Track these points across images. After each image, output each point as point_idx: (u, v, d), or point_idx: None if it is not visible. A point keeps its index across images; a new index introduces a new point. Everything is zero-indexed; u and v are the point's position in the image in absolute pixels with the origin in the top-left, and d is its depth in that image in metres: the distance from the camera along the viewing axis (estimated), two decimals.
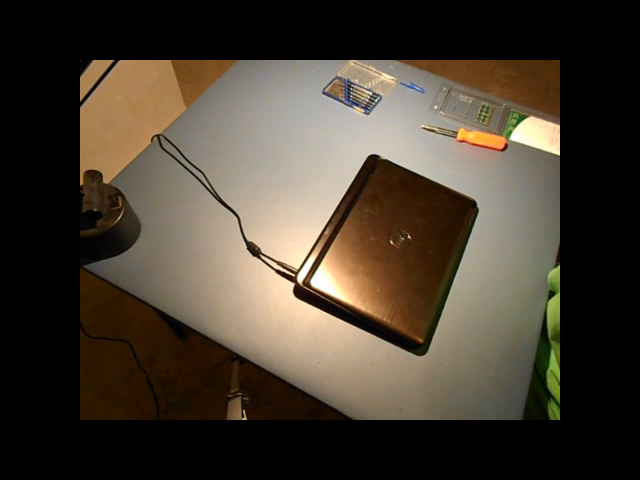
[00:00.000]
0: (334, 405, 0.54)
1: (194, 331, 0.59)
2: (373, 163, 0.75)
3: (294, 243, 0.66)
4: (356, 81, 0.89)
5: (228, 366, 0.68)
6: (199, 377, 1.18)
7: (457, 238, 0.67)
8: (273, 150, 0.78)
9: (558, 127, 0.84)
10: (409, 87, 0.90)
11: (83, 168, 0.59)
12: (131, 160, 0.75)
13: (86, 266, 0.63)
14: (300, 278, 0.61)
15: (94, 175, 0.60)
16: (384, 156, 0.76)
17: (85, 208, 0.56)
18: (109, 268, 0.63)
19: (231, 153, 0.77)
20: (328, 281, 0.61)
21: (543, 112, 0.86)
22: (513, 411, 0.54)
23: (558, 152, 0.80)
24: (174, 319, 0.60)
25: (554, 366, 0.64)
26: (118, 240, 0.63)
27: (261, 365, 0.57)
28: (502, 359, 0.58)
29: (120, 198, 0.61)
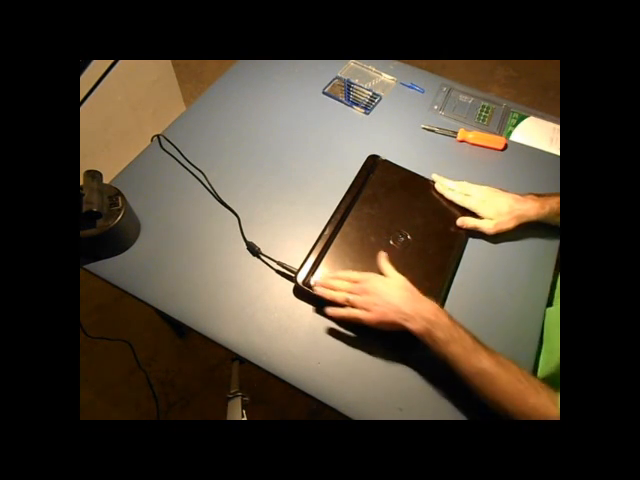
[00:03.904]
0: (334, 405, 0.54)
1: (194, 331, 0.59)
2: (373, 163, 0.75)
3: (294, 243, 0.66)
4: (356, 81, 0.89)
5: (228, 366, 0.68)
6: (199, 377, 1.18)
7: (457, 238, 0.67)
8: (273, 150, 0.78)
9: (558, 127, 0.84)
10: (409, 87, 0.90)
11: (83, 168, 0.59)
12: (131, 160, 0.75)
13: (86, 266, 0.63)
14: (300, 278, 0.61)
15: (94, 175, 0.60)
16: (384, 156, 0.76)
17: (85, 208, 0.56)
18: (109, 268, 0.63)
19: (231, 153, 0.77)
20: None
21: (543, 112, 0.86)
22: None
23: (558, 152, 0.80)
24: (174, 319, 0.60)
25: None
26: (118, 240, 0.63)
27: (261, 365, 0.57)
28: None
29: (120, 198, 0.61)
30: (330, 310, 0.55)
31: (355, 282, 0.56)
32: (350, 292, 0.55)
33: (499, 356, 0.50)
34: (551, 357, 0.60)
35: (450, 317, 0.51)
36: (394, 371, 0.56)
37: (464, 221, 0.67)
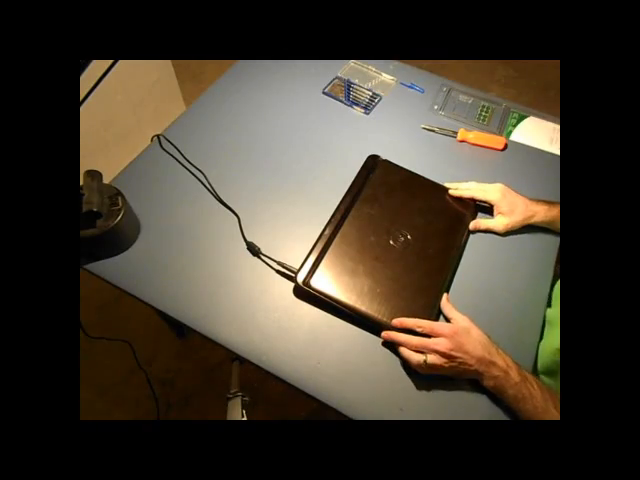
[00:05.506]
0: (334, 405, 0.54)
1: (194, 331, 0.59)
2: (373, 163, 0.75)
3: (294, 243, 0.66)
4: (356, 81, 0.89)
5: (228, 366, 0.68)
6: (199, 377, 1.18)
7: (457, 238, 0.67)
8: (273, 150, 0.78)
9: (558, 127, 0.84)
10: (409, 87, 0.90)
11: (83, 168, 0.59)
12: (131, 160, 0.75)
13: (86, 266, 0.63)
14: (300, 278, 0.60)
15: (94, 175, 0.60)
16: (384, 156, 0.76)
17: (85, 208, 0.56)
18: (109, 268, 0.63)
19: (231, 153, 0.77)
20: (328, 281, 0.61)
21: (543, 112, 0.86)
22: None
23: (558, 152, 0.80)
24: (174, 319, 0.60)
25: None
26: (118, 240, 0.63)
27: (261, 365, 0.56)
28: None
29: (120, 198, 0.61)
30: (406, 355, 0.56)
31: (424, 331, 0.56)
32: (424, 347, 0.55)
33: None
34: (550, 355, 0.60)
35: (520, 373, 0.52)
36: (394, 371, 0.56)
37: (477, 224, 0.69)
